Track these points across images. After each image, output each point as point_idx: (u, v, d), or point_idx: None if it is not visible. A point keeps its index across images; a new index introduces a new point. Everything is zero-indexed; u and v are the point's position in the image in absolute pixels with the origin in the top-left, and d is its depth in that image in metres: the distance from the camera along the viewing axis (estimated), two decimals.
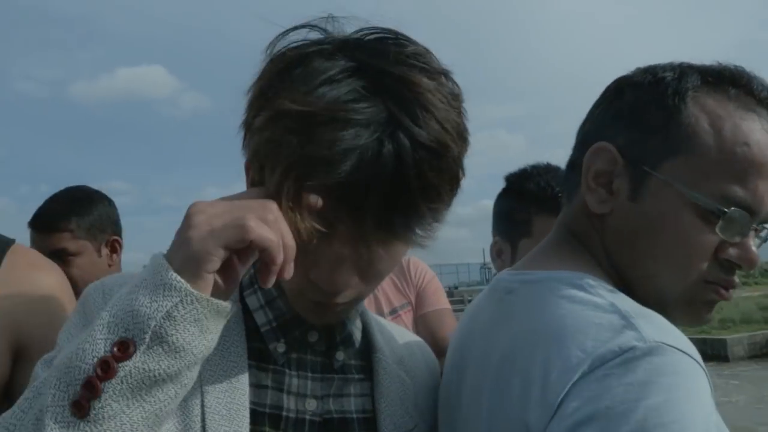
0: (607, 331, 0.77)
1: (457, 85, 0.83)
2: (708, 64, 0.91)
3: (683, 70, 0.91)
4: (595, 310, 0.81)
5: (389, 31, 0.82)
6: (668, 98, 0.88)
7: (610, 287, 0.86)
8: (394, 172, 0.74)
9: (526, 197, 1.87)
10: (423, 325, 2.34)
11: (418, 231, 0.81)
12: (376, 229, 0.77)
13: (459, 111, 0.81)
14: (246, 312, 0.94)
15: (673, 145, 0.87)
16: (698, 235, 0.86)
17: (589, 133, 0.97)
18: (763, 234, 0.90)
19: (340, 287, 0.82)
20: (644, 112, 0.90)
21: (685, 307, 0.91)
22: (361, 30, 0.82)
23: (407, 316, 2.37)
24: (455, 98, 0.81)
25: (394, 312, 2.35)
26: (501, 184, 2.02)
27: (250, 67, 0.84)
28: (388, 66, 0.76)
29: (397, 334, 1.11)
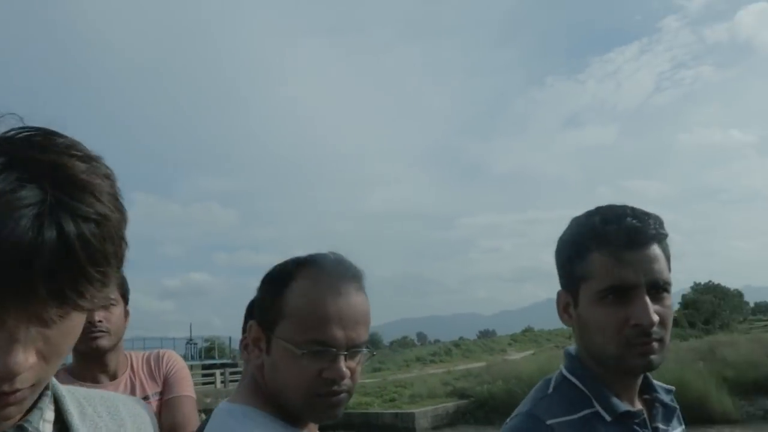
0: None
1: (108, 168, 0.87)
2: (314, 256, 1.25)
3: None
4: None
5: (38, 128, 0.85)
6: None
7: (257, 418, 1.20)
8: (58, 245, 0.76)
9: None
10: (164, 410, 2.38)
11: (90, 296, 0.81)
12: (49, 300, 0.78)
13: (113, 187, 0.86)
14: None
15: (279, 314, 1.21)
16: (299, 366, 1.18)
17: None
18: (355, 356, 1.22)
19: (17, 369, 0.79)
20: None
21: (310, 409, 1.20)
22: (11, 129, 0.85)
23: (157, 404, 2.40)
24: (108, 177, 0.85)
25: (146, 398, 2.35)
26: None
27: None
28: (39, 155, 0.80)
29: (99, 397, 1.06)
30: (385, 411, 25.73)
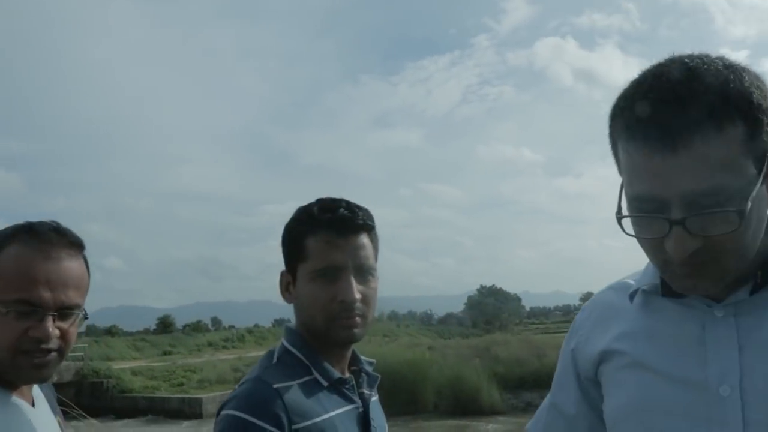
0: None
1: None
2: None
3: None
4: None
5: None
6: None
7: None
8: None
9: None
10: None
11: None
12: None
13: None
14: None
15: None
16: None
17: None
18: None
19: None
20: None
21: (17, 368, 1.22)
22: None
23: None
24: None
25: None
26: None
27: None
28: None
29: None
30: (172, 395, 25.24)
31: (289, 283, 1.41)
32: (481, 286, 68.61)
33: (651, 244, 0.93)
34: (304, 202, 1.42)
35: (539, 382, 19.74)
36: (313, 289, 1.34)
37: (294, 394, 1.27)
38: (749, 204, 0.86)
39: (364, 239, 1.37)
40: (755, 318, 0.97)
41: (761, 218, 0.92)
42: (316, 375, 1.34)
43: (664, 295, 1.03)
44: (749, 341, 0.96)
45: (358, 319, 1.34)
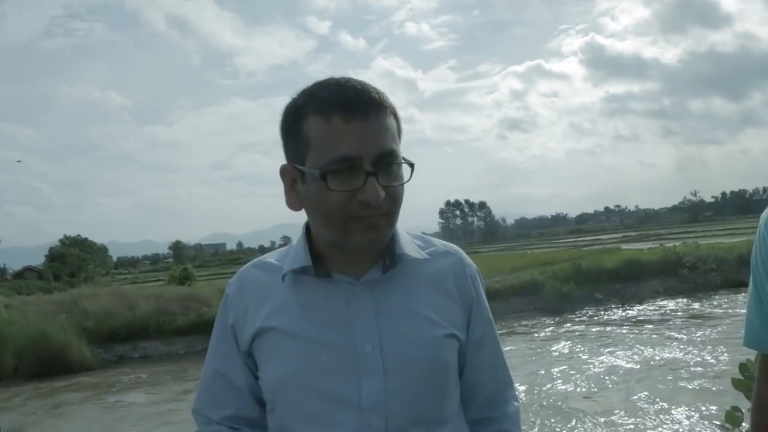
0: None
1: None
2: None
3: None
4: None
5: None
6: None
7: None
8: None
9: None
10: None
11: None
12: None
13: None
14: None
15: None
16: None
17: None
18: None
19: None
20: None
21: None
22: None
23: None
24: None
25: None
26: None
27: None
28: None
29: None
30: None
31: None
32: (65, 236, 64.22)
33: (344, 199, 1.11)
34: None
35: (132, 333, 19.77)
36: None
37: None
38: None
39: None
40: (387, 291, 1.22)
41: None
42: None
43: (315, 275, 1.22)
44: (383, 309, 1.21)
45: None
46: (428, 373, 1.20)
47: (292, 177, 1.19)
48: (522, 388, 11.55)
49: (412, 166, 1.17)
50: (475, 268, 1.35)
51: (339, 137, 1.10)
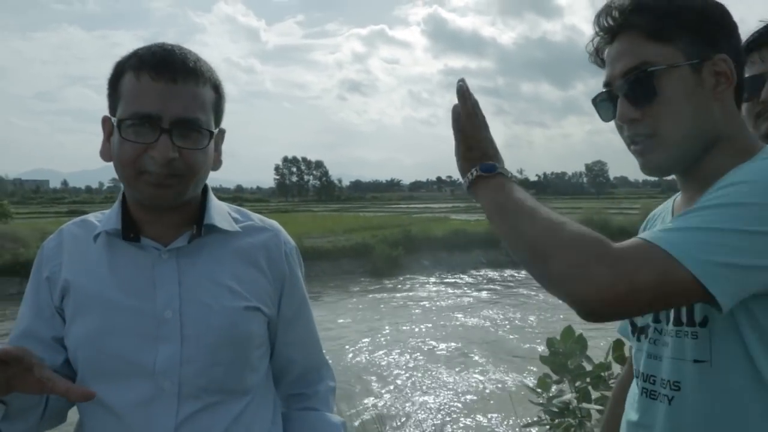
0: None
1: None
2: None
3: None
4: None
5: None
6: None
7: None
8: None
9: None
10: None
11: None
12: None
13: None
14: None
15: None
16: None
17: None
18: None
19: None
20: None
21: None
22: None
23: None
24: None
25: None
26: None
27: None
28: None
29: None
30: None
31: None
32: None
33: (137, 150, 1.15)
34: None
35: None
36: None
37: None
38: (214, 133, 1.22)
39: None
40: (193, 259, 1.25)
41: (207, 164, 1.23)
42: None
43: (124, 239, 1.24)
44: (187, 277, 1.23)
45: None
46: (225, 343, 1.22)
47: (109, 128, 1.22)
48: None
49: (210, 134, 1.20)
50: (292, 246, 1.38)
51: (144, 94, 1.14)
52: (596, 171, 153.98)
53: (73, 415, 1.30)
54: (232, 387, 1.24)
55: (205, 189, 1.30)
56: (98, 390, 1.16)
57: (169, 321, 1.20)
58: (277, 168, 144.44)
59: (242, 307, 1.24)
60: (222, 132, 1.27)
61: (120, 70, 1.19)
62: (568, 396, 2.86)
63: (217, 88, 1.22)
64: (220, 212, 1.30)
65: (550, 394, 2.96)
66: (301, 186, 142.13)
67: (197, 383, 1.20)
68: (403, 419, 8.79)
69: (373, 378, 10.53)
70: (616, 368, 2.73)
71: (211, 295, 1.22)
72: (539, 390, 3.02)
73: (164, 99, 1.14)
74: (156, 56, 1.16)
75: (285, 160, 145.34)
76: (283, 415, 1.38)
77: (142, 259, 1.23)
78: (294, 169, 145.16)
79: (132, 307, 1.20)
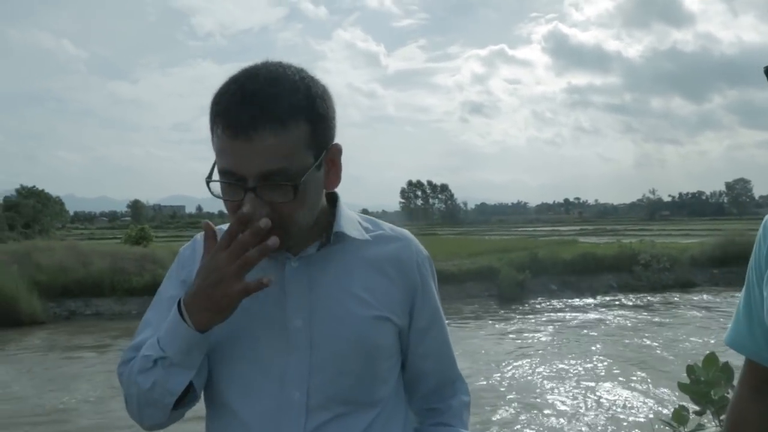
0: None
1: None
2: None
3: None
4: None
5: None
6: None
7: None
8: None
9: None
10: None
11: None
12: None
13: None
14: None
15: None
16: None
17: None
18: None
19: None
20: None
21: None
22: None
23: None
24: None
25: None
26: None
27: None
28: None
29: None
30: None
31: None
32: (21, 186, 62.88)
33: (231, 207, 1.14)
34: None
35: (84, 290, 19.50)
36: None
37: None
38: (303, 182, 1.11)
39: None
40: (321, 268, 1.24)
41: (317, 194, 1.19)
42: None
43: None
44: (317, 285, 1.22)
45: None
46: (355, 353, 1.21)
47: None
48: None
49: (295, 187, 1.11)
50: (424, 256, 1.35)
51: (225, 153, 1.10)
52: (738, 190, 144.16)
53: (197, 425, 1.31)
54: (360, 398, 1.23)
55: (334, 198, 1.28)
56: (227, 397, 1.20)
57: (298, 330, 1.20)
58: (402, 191, 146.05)
59: (372, 317, 1.23)
60: (333, 150, 1.19)
61: (210, 111, 1.13)
62: (712, 431, 2.70)
63: (311, 115, 1.12)
64: (350, 221, 1.28)
65: (687, 430, 2.80)
66: (426, 209, 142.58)
67: (326, 393, 1.19)
68: None
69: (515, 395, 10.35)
70: None
71: (340, 304, 1.22)
72: (675, 424, 2.87)
73: (244, 158, 1.08)
74: (232, 103, 1.09)
75: (410, 183, 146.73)
76: (416, 430, 1.36)
77: (272, 267, 1.22)
78: (419, 193, 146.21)
79: (262, 314, 1.20)
